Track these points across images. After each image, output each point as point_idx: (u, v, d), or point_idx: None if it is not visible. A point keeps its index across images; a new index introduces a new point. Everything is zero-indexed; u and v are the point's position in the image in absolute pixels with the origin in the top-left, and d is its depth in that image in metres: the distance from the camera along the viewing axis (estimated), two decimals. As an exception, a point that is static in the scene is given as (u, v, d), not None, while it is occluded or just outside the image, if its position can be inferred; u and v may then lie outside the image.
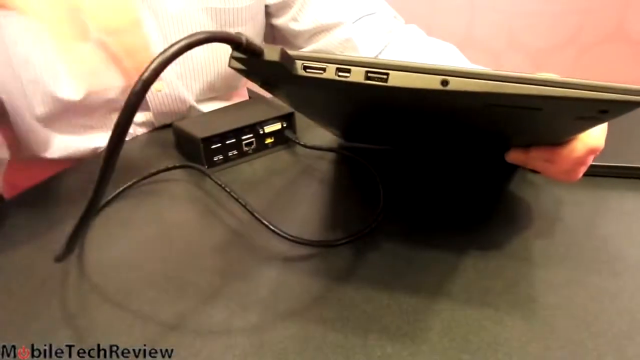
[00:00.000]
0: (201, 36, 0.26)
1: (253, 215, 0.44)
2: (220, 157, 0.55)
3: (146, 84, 0.24)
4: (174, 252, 0.43)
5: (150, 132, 0.68)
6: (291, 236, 0.42)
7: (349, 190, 0.51)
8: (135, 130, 0.67)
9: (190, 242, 0.44)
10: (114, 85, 0.61)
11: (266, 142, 0.58)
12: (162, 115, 0.67)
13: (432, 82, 0.28)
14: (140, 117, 0.67)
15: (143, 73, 0.24)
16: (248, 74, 0.33)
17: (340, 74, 0.30)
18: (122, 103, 0.25)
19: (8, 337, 0.35)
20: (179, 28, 0.62)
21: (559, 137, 0.39)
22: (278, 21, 0.73)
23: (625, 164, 0.49)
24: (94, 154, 0.64)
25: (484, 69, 0.34)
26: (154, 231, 0.46)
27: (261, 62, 0.29)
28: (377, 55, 0.75)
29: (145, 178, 0.53)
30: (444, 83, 0.28)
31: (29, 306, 0.38)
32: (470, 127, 0.41)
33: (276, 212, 0.46)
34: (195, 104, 0.69)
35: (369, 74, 0.29)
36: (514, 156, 0.43)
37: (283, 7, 0.72)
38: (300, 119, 0.56)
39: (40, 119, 0.60)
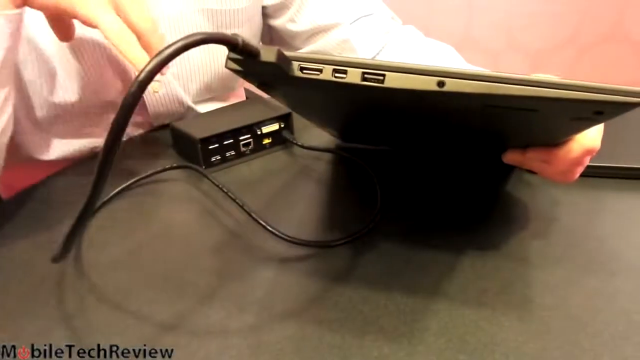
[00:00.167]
0: (198, 37, 0.26)
1: (250, 215, 0.44)
2: (218, 157, 0.55)
3: (142, 84, 0.24)
4: (171, 253, 0.43)
5: (147, 132, 0.68)
6: (288, 237, 0.42)
7: (347, 190, 0.51)
8: (132, 131, 0.67)
9: (188, 242, 0.44)
10: (112, 87, 0.61)
11: (264, 142, 0.58)
12: (159, 115, 0.67)
13: (429, 83, 0.29)
14: (137, 117, 0.67)
15: (139, 74, 0.24)
16: (245, 75, 0.33)
17: (336, 75, 0.30)
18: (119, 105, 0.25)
19: (6, 336, 0.35)
20: (176, 30, 0.62)
21: (556, 138, 0.39)
22: (275, 22, 0.73)
23: (621, 164, 0.49)
24: (91, 155, 0.64)
25: (481, 70, 0.34)
26: (151, 232, 0.46)
27: (258, 63, 0.29)
28: (374, 56, 0.75)
29: (142, 178, 0.53)
30: (440, 84, 0.28)
31: (27, 306, 0.38)
32: (467, 128, 0.41)
33: (273, 212, 0.46)
34: (192, 104, 0.69)
35: (366, 75, 0.29)
36: (510, 157, 0.43)
37: (280, 9, 0.72)
38: (298, 120, 0.56)
39: (38, 121, 0.60)
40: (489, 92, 0.28)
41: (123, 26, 0.41)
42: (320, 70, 0.30)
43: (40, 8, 0.44)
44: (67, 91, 0.58)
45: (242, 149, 0.57)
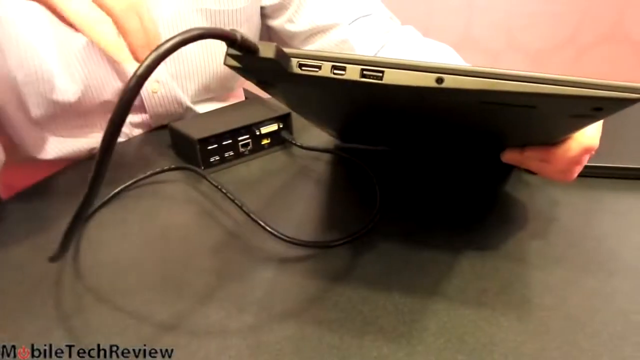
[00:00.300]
0: (195, 32, 0.26)
1: (249, 216, 0.44)
2: (217, 158, 0.55)
3: (141, 79, 0.24)
4: (170, 253, 0.43)
5: (146, 133, 0.68)
6: (287, 237, 0.42)
7: (346, 191, 0.51)
8: (131, 131, 0.67)
9: (187, 243, 0.44)
10: (110, 85, 0.61)
11: (262, 143, 0.58)
12: (158, 116, 0.67)
13: (427, 80, 0.29)
14: (136, 118, 0.67)
15: (138, 68, 0.24)
16: (243, 71, 0.33)
17: (335, 71, 0.30)
18: None
19: (6, 336, 0.35)
20: (174, 30, 0.62)
21: (554, 136, 0.39)
22: (274, 23, 0.73)
23: (619, 164, 0.49)
24: (90, 155, 0.64)
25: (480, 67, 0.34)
26: (150, 232, 0.46)
27: (256, 59, 0.29)
28: (373, 56, 0.75)
29: (141, 179, 0.53)
30: (439, 80, 0.28)
31: (26, 306, 0.38)
32: (465, 126, 0.41)
33: (272, 213, 0.46)
34: (191, 105, 0.69)
35: (364, 72, 0.29)
36: (509, 156, 0.43)
37: (279, 9, 0.72)
38: (297, 120, 0.56)
39: (36, 121, 0.60)
40: (488, 88, 0.28)
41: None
42: (319, 67, 0.30)
43: None
44: (65, 91, 0.58)
45: (241, 149, 0.57)
